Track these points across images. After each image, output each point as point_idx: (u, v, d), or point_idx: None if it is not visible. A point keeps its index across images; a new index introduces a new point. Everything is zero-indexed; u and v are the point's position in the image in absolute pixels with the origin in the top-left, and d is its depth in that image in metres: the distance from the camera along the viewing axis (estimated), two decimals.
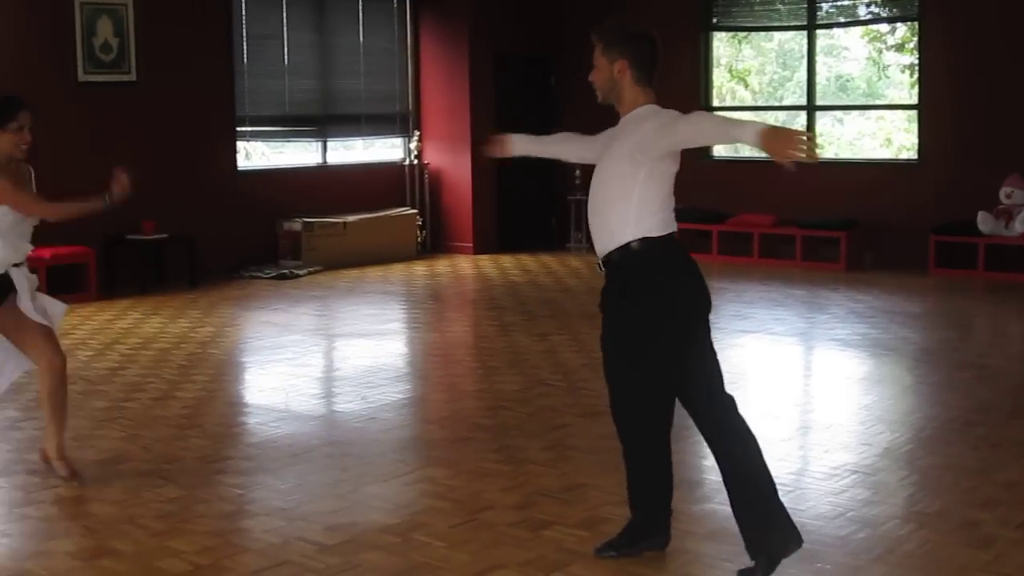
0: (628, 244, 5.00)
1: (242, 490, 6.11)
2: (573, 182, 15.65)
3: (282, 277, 13.58)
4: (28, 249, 6.37)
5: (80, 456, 6.66)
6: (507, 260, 15.02)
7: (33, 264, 11.50)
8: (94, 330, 10.61)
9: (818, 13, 14.84)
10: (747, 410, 7.03)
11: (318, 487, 6.15)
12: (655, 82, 5.13)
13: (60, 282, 12.03)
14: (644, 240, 5.00)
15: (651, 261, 5.02)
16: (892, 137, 16.52)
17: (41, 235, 11.94)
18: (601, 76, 5.08)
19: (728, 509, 5.15)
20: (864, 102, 16.97)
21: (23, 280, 6.29)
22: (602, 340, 5.14)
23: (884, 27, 15.85)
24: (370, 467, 6.51)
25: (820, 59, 15.37)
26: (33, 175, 6.47)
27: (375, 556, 5.15)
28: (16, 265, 6.29)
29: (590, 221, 5.17)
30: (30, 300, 6.26)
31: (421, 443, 7.03)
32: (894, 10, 14.91)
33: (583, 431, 7.15)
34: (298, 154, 15.48)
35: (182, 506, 5.86)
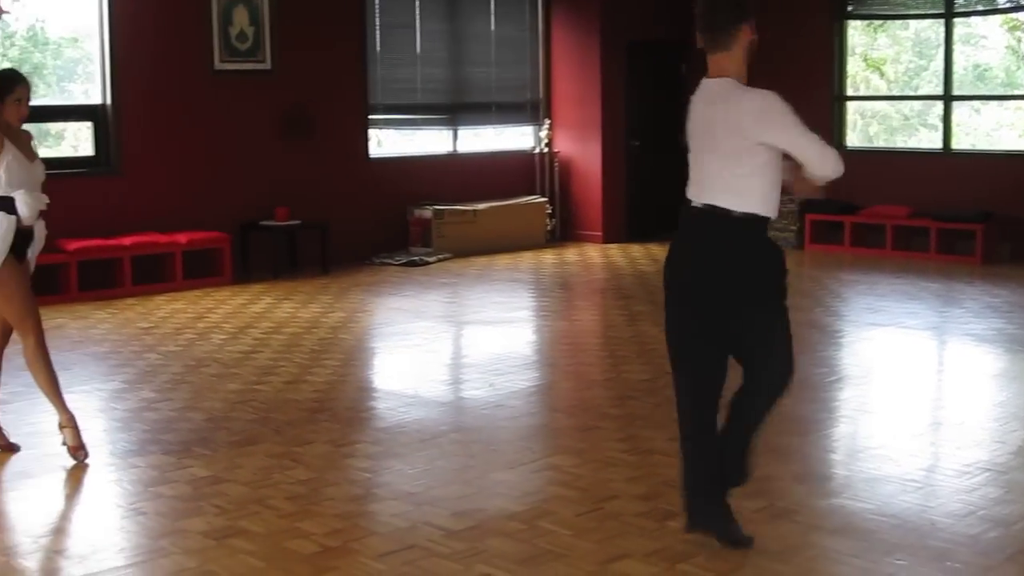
0: None
1: (371, 474, 6.18)
2: None
3: (412, 264, 13.69)
4: (45, 201, 6.47)
5: (213, 437, 6.80)
6: (636, 249, 14.96)
7: (170, 249, 11.90)
8: (228, 314, 10.79)
9: (956, 1, 14.54)
10: (877, 404, 6.96)
11: (445, 473, 6.20)
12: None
13: (196, 267, 12.28)
14: None
15: None
16: None
17: (178, 220, 12.30)
18: (744, 43, 5.05)
19: (858, 504, 5.09)
20: (1002, 92, 16.60)
21: (42, 237, 6.56)
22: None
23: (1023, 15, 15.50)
24: (497, 454, 6.54)
25: (957, 48, 15.05)
26: (33, 140, 6.63)
27: (501, 542, 5.18)
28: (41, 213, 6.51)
29: None
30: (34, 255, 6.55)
31: (548, 431, 7.05)
32: None
33: None
34: (429, 142, 15.57)
35: (312, 488, 5.95)
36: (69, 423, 6.47)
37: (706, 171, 5.00)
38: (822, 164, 4.92)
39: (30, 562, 5.17)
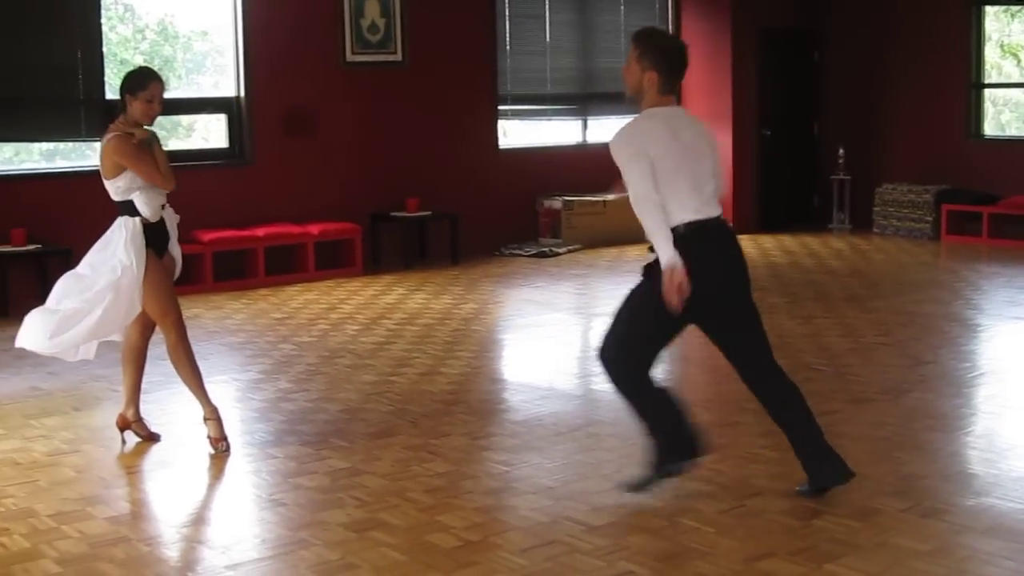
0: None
1: (508, 467, 6.14)
2: (836, 160, 15.30)
3: (542, 255, 13.66)
4: (164, 195, 6.51)
5: (350, 428, 6.81)
6: (767, 240, 14.77)
7: (302, 239, 11.99)
8: (360, 305, 10.85)
9: None
10: (1022, 400, 6.69)
11: (584, 467, 6.15)
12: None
13: (327, 257, 12.37)
14: None
15: None
16: None
17: (310, 211, 12.39)
18: (633, 79, 5.47)
19: (1008, 504, 4.94)
20: None
21: (173, 224, 6.62)
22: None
23: None
24: (636, 448, 6.43)
25: None
26: (158, 139, 6.61)
27: (642, 539, 5.11)
28: (163, 206, 6.55)
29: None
30: (175, 244, 6.62)
31: None
32: None
33: (852, 418, 6.98)
34: (558, 132, 15.50)
35: (450, 481, 5.93)
36: (212, 415, 6.54)
37: (705, 188, 5.44)
38: None
39: (172, 552, 5.23)
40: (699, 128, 5.60)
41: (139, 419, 6.76)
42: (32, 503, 5.74)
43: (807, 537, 5.12)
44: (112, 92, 11.57)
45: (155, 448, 6.62)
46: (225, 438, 6.50)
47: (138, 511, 5.83)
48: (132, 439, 6.75)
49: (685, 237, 5.34)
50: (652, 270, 5.47)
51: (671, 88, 5.48)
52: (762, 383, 5.80)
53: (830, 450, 5.59)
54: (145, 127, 6.46)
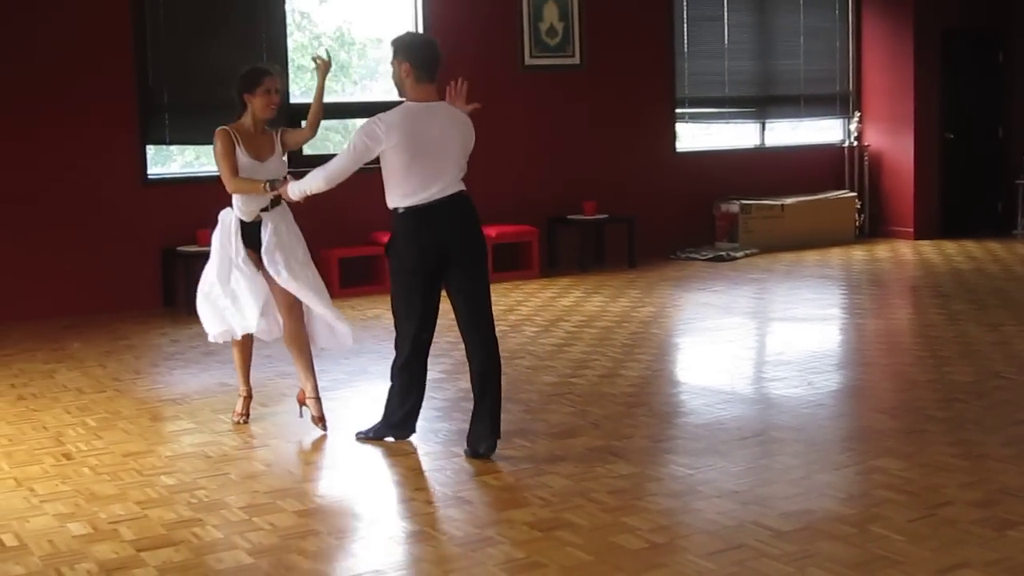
0: None
1: (692, 470, 6.10)
2: (1022, 164, 14.91)
3: (718, 259, 13.56)
4: (268, 198, 6.90)
5: (532, 428, 6.83)
6: (950, 246, 14.45)
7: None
8: (538, 307, 10.89)
9: None
10: None
11: (769, 472, 6.07)
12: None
13: (505, 260, 12.45)
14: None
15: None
16: None
17: (488, 214, 12.45)
18: (393, 76, 6.38)
19: None
20: None
21: (269, 228, 6.92)
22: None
23: None
24: (821, 454, 6.38)
25: None
26: (278, 137, 7.08)
27: (832, 546, 5.03)
28: (265, 209, 6.91)
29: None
30: (274, 252, 6.90)
31: (872, 432, 6.82)
32: None
33: None
34: (735, 135, 15.38)
35: (634, 483, 5.92)
36: (313, 393, 7.00)
37: (451, 170, 6.32)
38: None
39: (360, 547, 5.29)
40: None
41: (314, 397, 6.99)
42: (224, 495, 5.88)
43: (1002, 548, 4.98)
44: (295, 97, 11.82)
45: (340, 444, 6.73)
46: (324, 418, 7.01)
47: (326, 505, 5.92)
48: (307, 413, 7.04)
49: None
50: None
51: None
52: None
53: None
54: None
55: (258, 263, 6.94)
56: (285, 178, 6.69)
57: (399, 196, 6.32)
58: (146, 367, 8.96)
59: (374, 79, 13.46)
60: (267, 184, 6.68)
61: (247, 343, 7.20)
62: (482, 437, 6.36)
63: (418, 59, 6.27)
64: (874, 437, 6.72)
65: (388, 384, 6.70)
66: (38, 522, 5.52)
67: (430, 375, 8.26)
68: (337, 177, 6.34)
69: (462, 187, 6.39)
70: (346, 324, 7.13)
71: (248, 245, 6.93)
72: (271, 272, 6.88)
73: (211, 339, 7.23)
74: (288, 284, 6.88)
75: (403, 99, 6.38)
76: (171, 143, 11.70)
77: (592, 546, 5.08)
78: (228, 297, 6.98)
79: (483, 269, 6.55)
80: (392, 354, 6.69)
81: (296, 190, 6.46)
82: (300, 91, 12.16)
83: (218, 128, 6.88)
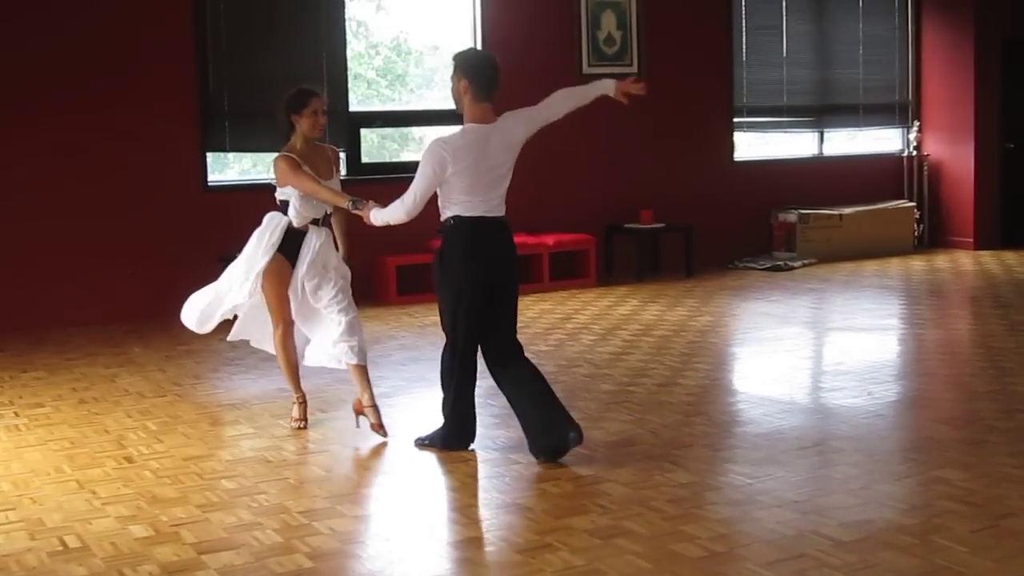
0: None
1: (751, 480, 6.07)
2: None
3: (776, 269, 13.51)
4: (327, 208, 7.04)
5: (591, 436, 6.79)
6: (1011, 257, 14.32)
7: (537, 250, 12.08)
8: (595, 315, 10.89)
9: None
10: None
11: (829, 482, 6.04)
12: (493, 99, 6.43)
13: (561, 268, 12.45)
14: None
15: None
16: None
17: (545, 222, 12.49)
18: (453, 91, 6.44)
19: None
20: None
21: (312, 241, 7.05)
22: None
23: None
24: (881, 464, 6.33)
25: None
26: (337, 155, 7.27)
27: (893, 556, 5.00)
28: (315, 222, 7.04)
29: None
30: (311, 266, 7.02)
31: (932, 443, 6.77)
32: None
33: None
34: (793, 144, 15.30)
35: (693, 492, 5.90)
36: (371, 401, 7.01)
37: (502, 193, 6.52)
38: None
39: (418, 552, 5.30)
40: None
41: (371, 405, 7.00)
42: (283, 499, 5.91)
43: None
44: (352, 106, 11.88)
45: (398, 450, 6.76)
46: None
47: (385, 510, 5.95)
48: (365, 423, 7.06)
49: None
50: None
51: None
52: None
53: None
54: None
55: (287, 273, 7.05)
56: (367, 201, 6.66)
57: (457, 208, 6.40)
58: (206, 372, 9.02)
59: (430, 87, 13.51)
60: (352, 202, 6.65)
61: (290, 349, 7.23)
62: (567, 428, 6.40)
63: (477, 78, 6.33)
64: (935, 448, 6.66)
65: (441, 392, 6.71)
66: (100, 524, 5.58)
67: (487, 382, 8.30)
68: (415, 210, 6.36)
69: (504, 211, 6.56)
70: (351, 343, 7.01)
71: (283, 252, 7.01)
72: (305, 283, 7.01)
73: (190, 325, 7.44)
74: (314, 296, 7.02)
75: (458, 111, 6.46)
76: (231, 150, 11.78)
77: (651, 554, 5.07)
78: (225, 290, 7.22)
79: (517, 295, 6.74)
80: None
81: (379, 218, 6.51)
82: (357, 99, 12.23)
83: (277, 156, 6.96)
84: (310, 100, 6.99)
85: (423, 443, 6.76)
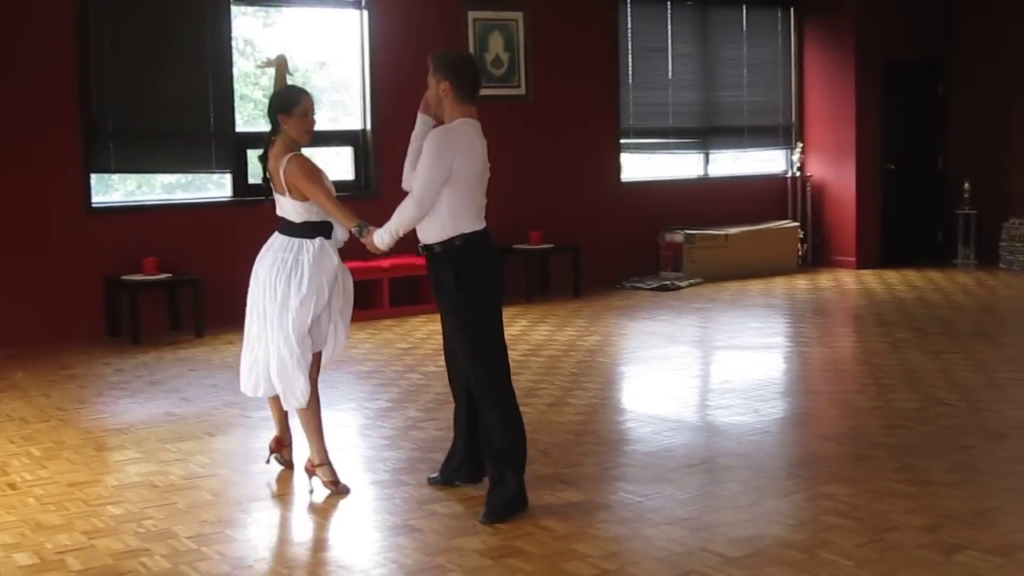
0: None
1: (641, 497, 6.11)
2: (962, 195, 15.09)
3: (663, 288, 13.63)
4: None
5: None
6: (892, 275, 14.59)
7: (424, 271, 12.01)
8: None
9: None
10: None
11: (718, 498, 6.10)
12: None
13: None
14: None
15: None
16: None
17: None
18: (431, 93, 6.10)
19: None
20: None
21: (335, 259, 6.54)
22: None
23: None
24: (768, 481, 6.42)
25: None
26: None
27: (781, 571, 5.06)
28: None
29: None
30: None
31: (818, 459, 6.87)
32: None
33: (988, 454, 6.87)
34: (679, 165, 15.47)
35: (583, 510, 5.93)
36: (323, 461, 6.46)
37: (481, 200, 6.14)
38: None
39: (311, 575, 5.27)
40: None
41: (288, 445, 6.78)
42: (171, 524, 5.84)
43: (949, 572, 5.03)
44: (240, 125, 11.79)
45: (288, 475, 6.69)
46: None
47: (276, 535, 5.90)
48: (275, 463, 6.82)
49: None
50: None
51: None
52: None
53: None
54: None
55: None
56: (371, 228, 6.13)
57: (468, 219, 6.05)
58: (90, 396, 8.88)
59: (318, 107, 13.40)
60: (358, 227, 6.16)
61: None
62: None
63: (460, 79, 5.98)
64: (820, 463, 6.77)
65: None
66: None
67: (376, 403, 8.29)
68: (426, 203, 5.89)
69: None
70: (298, 380, 6.30)
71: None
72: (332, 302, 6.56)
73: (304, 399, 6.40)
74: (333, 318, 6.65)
75: (435, 116, 6.14)
76: (116, 171, 11.58)
77: (543, 573, 5.09)
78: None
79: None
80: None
81: (385, 235, 6.05)
82: (243, 120, 12.12)
83: (291, 155, 6.31)
84: (301, 98, 6.45)
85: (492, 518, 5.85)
